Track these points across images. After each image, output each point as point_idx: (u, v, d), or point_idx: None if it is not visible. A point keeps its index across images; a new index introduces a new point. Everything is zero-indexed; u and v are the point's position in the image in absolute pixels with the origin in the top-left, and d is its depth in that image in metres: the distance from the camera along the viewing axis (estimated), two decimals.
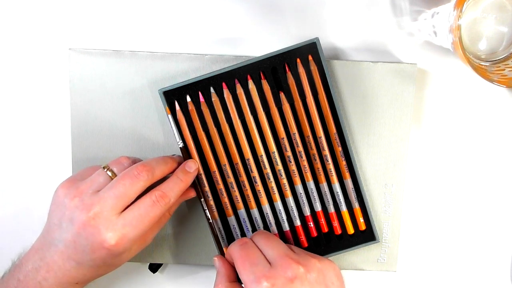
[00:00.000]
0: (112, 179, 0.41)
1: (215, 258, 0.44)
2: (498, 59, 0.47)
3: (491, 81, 0.42)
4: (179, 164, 0.44)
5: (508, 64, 0.46)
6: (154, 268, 0.50)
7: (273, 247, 0.41)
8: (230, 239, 0.48)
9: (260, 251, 0.42)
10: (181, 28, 0.48)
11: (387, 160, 0.48)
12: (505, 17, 0.46)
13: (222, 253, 0.47)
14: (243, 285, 0.40)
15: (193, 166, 0.44)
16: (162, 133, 0.47)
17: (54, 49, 0.48)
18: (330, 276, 0.41)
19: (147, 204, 0.40)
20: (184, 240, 0.48)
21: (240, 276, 0.40)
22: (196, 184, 0.46)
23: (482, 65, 0.46)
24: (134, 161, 0.43)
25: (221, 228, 0.47)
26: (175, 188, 0.42)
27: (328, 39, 0.47)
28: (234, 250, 0.42)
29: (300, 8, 0.47)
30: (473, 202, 0.50)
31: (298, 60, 0.45)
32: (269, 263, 0.40)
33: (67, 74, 0.48)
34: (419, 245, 0.50)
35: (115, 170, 0.42)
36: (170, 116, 0.45)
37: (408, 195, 0.50)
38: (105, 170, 0.41)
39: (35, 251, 0.41)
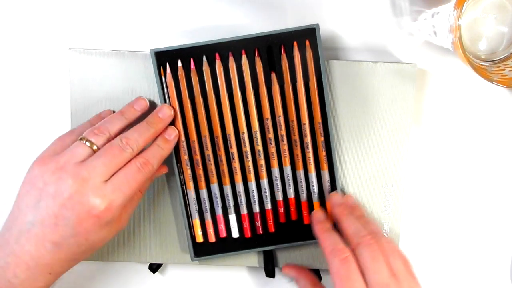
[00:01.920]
0: (92, 149, 0.40)
1: (285, 271, 0.45)
2: (498, 59, 0.47)
3: (491, 81, 0.42)
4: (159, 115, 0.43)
5: (508, 64, 0.46)
6: (154, 268, 0.50)
7: (375, 272, 0.39)
8: (200, 212, 0.47)
9: (362, 270, 0.39)
10: (181, 28, 0.48)
11: (387, 160, 0.48)
12: (505, 17, 0.46)
13: (189, 223, 0.46)
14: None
15: (173, 133, 0.44)
16: None
17: (54, 49, 0.48)
18: None
19: (133, 170, 0.40)
20: (184, 240, 0.48)
21: None
22: (175, 149, 0.45)
23: (482, 65, 0.46)
24: (107, 127, 0.42)
25: (195, 199, 0.46)
26: (157, 155, 0.42)
27: (328, 39, 0.47)
28: (333, 264, 0.40)
29: (299, 8, 0.47)
30: (473, 202, 0.50)
31: (295, 43, 0.44)
32: (366, 284, 0.39)
33: (67, 74, 0.48)
34: (419, 245, 0.50)
35: (93, 140, 0.40)
36: (163, 78, 0.44)
37: (408, 195, 0.50)
38: (83, 141, 0.40)
39: None
